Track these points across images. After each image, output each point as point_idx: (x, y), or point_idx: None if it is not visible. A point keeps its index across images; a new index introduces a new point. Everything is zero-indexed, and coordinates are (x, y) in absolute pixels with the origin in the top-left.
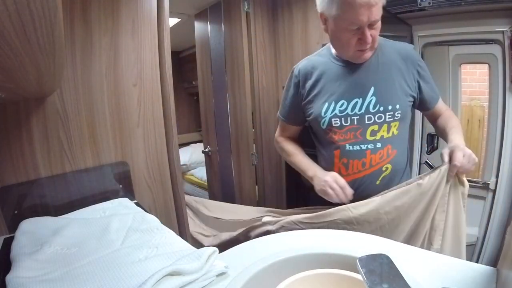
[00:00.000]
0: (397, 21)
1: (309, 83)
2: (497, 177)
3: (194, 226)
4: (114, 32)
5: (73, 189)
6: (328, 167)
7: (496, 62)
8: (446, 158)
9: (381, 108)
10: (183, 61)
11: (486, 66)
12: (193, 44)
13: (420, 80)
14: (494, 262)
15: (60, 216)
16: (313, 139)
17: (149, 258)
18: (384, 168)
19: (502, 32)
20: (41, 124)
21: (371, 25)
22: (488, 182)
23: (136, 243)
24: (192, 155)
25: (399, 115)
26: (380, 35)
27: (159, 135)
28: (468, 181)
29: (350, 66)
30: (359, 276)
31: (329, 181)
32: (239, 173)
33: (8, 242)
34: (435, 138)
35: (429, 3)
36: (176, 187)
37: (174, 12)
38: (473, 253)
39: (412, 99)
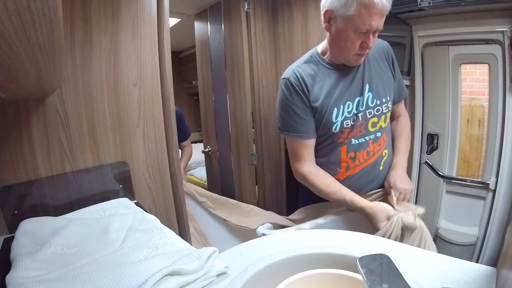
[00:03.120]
0: (397, 21)
1: (315, 91)
2: (497, 177)
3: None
4: (114, 32)
5: (73, 189)
6: (333, 166)
7: (496, 62)
8: (394, 200)
9: (378, 102)
10: (183, 61)
11: (486, 66)
12: (193, 44)
13: (394, 73)
14: (494, 262)
15: (60, 216)
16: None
17: (149, 258)
18: (383, 154)
19: (502, 32)
20: (41, 124)
21: (374, 32)
22: (488, 182)
23: (136, 243)
24: (192, 155)
25: (391, 104)
26: (380, 35)
27: (159, 135)
28: (468, 181)
29: (344, 69)
30: (359, 276)
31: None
32: (239, 173)
33: (8, 242)
34: (435, 138)
35: (429, 3)
36: (176, 187)
37: (174, 12)
38: (473, 253)
39: (394, 90)
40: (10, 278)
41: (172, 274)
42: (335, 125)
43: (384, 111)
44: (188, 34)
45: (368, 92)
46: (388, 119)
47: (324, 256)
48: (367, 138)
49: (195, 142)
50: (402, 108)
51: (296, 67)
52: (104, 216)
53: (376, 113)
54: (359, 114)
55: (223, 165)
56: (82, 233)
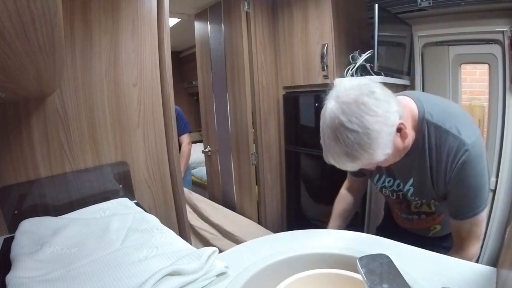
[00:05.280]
0: (397, 21)
1: None
2: (497, 177)
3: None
4: (114, 32)
5: (73, 189)
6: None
7: (496, 62)
8: None
9: (417, 198)
10: (183, 61)
11: (486, 66)
12: (193, 44)
13: (451, 187)
14: (494, 262)
15: (60, 216)
16: None
17: (149, 258)
18: (432, 228)
19: (502, 32)
20: (41, 124)
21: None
22: None
23: (136, 243)
24: (192, 155)
25: (436, 202)
26: (380, 35)
27: (159, 135)
28: None
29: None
30: (359, 276)
31: None
32: (239, 173)
33: (8, 242)
34: None
35: (429, 3)
36: (176, 187)
37: (174, 12)
38: None
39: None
40: (10, 278)
41: (172, 274)
42: (375, 186)
43: (425, 203)
44: (188, 34)
45: (410, 185)
46: (435, 208)
47: (324, 256)
48: (409, 216)
49: (195, 142)
50: (465, 242)
51: None
52: (104, 216)
53: (417, 201)
54: (400, 193)
55: (223, 165)
56: (82, 233)
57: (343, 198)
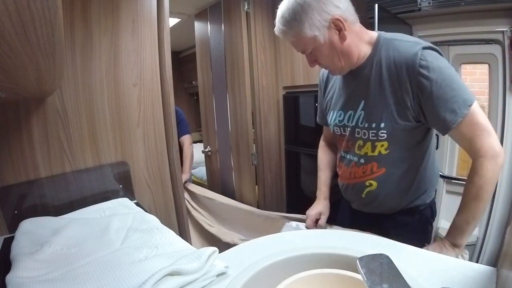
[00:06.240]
0: (397, 21)
1: (327, 90)
2: None
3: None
4: (114, 32)
5: (73, 189)
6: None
7: (496, 62)
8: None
9: (366, 125)
10: (183, 61)
11: (486, 66)
12: (193, 44)
13: (421, 96)
14: (494, 262)
15: (60, 216)
16: None
17: (149, 258)
18: (367, 184)
19: (502, 32)
20: (41, 124)
21: (309, 52)
22: None
23: (136, 243)
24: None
25: (384, 135)
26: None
27: (159, 135)
28: None
29: (349, 77)
30: (359, 276)
31: (309, 216)
32: (239, 173)
33: (8, 242)
34: (435, 138)
35: (429, 3)
36: (176, 187)
37: (174, 12)
38: (473, 253)
39: (409, 121)
40: (10, 278)
41: (172, 274)
42: (331, 126)
43: (371, 138)
44: (188, 34)
45: (361, 110)
46: (382, 150)
47: (324, 256)
48: (350, 157)
49: (195, 142)
50: (475, 139)
51: None
52: (104, 216)
53: (362, 136)
54: (348, 128)
55: (223, 165)
56: (82, 233)
57: (325, 148)
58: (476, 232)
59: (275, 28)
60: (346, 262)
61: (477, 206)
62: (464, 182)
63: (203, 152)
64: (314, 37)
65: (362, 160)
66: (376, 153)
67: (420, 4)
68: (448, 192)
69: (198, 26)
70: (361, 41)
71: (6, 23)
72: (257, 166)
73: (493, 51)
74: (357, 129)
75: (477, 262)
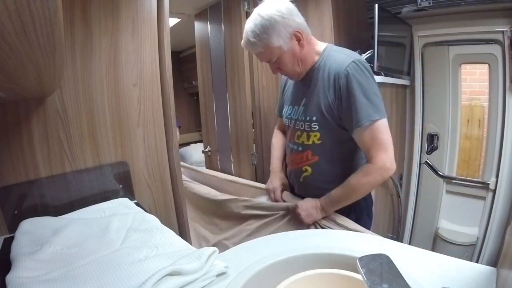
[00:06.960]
0: (397, 21)
1: (285, 89)
2: (497, 177)
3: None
4: (114, 32)
5: (73, 189)
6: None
7: (496, 62)
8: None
9: (303, 117)
10: (183, 61)
11: (486, 66)
12: (193, 44)
13: (343, 100)
14: (494, 262)
15: (60, 216)
16: None
17: (149, 258)
18: (304, 169)
19: (502, 32)
20: (41, 124)
21: (272, 62)
22: (488, 182)
23: (136, 243)
24: (192, 155)
25: (316, 126)
26: (380, 35)
27: (159, 135)
28: (468, 181)
29: (303, 78)
30: (359, 276)
31: (269, 189)
32: (239, 173)
33: (8, 242)
34: (435, 138)
35: (429, 3)
36: (176, 187)
37: (174, 12)
38: (473, 253)
39: (333, 116)
40: (10, 278)
41: (172, 274)
42: (284, 119)
43: (306, 128)
44: (188, 34)
45: (302, 105)
46: (315, 140)
47: (324, 256)
48: (292, 146)
49: (195, 142)
50: (371, 149)
51: None
52: (104, 216)
53: (300, 127)
54: (293, 120)
55: (223, 165)
56: (82, 233)
57: (278, 133)
58: (476, 232)
59: (242, 42)
60: (346, 262)
61: (348, 194)
62: (464, 182)
63: (203, 152)
64: (280, 46)
65: (300, 148)
66: (310, 142)
67: (420, 4)
68: (448, 192)
69: (198, 26)
70: (313, 50)
71: (6, 23)
72: (257, 166)
73: (493, 51)
74: (298, 121)
75: (477, 262)
